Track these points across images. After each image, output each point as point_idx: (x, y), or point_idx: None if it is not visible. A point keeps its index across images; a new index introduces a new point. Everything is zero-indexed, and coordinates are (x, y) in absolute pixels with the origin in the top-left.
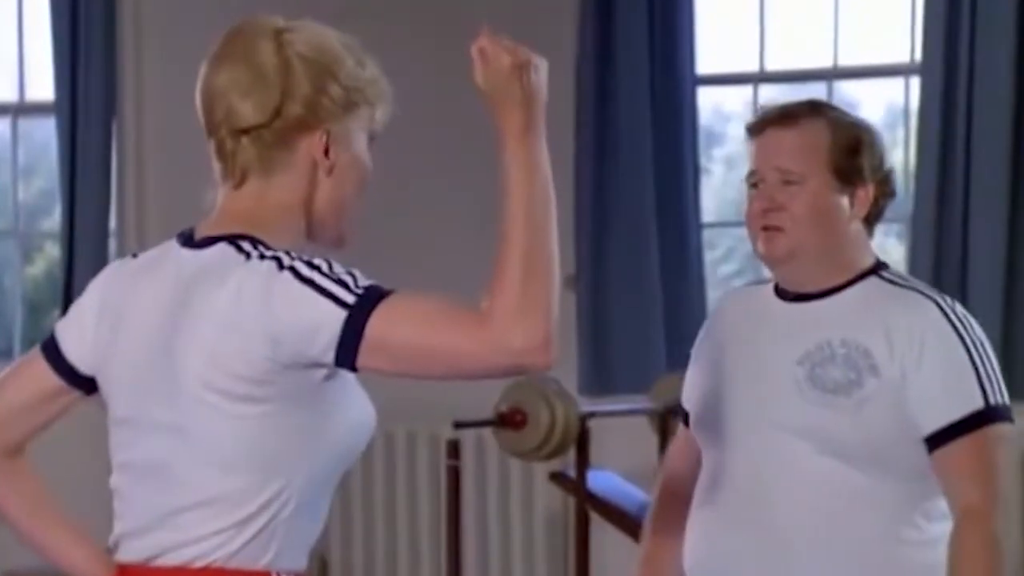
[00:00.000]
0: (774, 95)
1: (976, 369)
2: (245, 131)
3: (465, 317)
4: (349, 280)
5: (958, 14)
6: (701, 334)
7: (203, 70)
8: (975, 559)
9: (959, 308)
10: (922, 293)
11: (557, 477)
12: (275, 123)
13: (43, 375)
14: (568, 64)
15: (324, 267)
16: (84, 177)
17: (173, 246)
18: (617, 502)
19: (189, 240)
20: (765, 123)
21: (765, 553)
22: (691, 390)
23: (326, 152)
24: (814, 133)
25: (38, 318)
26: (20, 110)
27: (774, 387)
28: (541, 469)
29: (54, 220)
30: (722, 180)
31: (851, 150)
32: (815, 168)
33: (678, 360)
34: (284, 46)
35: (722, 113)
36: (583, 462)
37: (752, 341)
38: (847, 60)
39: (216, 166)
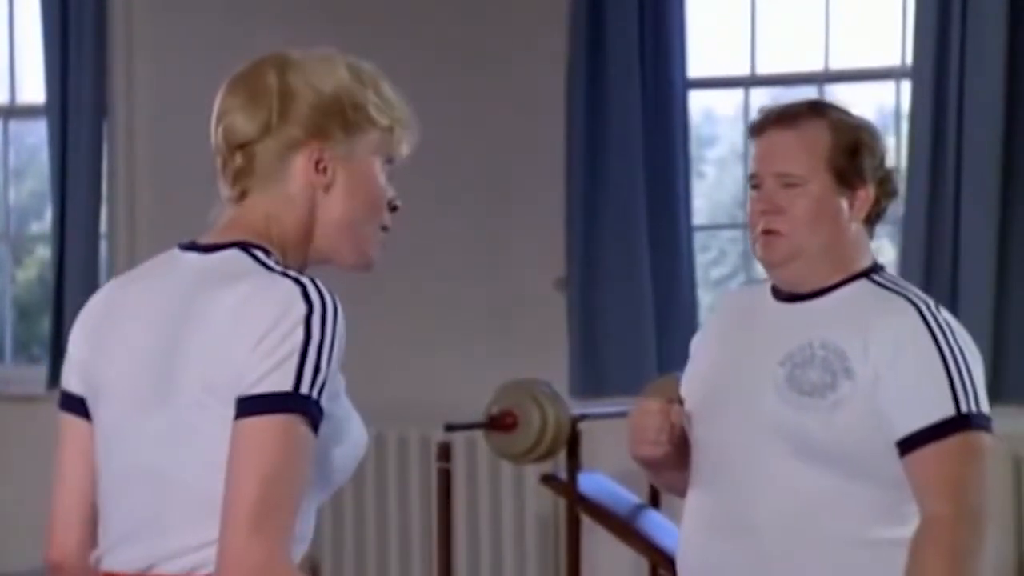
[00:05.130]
0: (765, 98)
1: (950, 376)
2: (240, 146)
3: (275, 510)
4: (319, 376)
5: (948, 17)
6: (699, 331)
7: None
8: (930, 570)
9: (943, 315)
10: (905, 297)
11: (548, 479)
12: (266, 140)
13: (76, 431)
14: (559, 67)
15: (328, 341)
16: (75, 179)
17: (173, 253)
18: (608, 504)
19: (192, 247)
20: (766, 124)
21: (744, 553)
22: (687, 386)
23: (320, 170)
24: (814, 134)
25: (29, 321)
26: (11, 112)
27: (756, 387)
28: (532, 471)
29: (45, 223)
30: (713, 183)
31: (851, 151)
32: (815, 170)
33: (669, 362)
34: (287, 71)
35: (713, 116)
36: (574, 464)
37: (742, 340)
38: (838, 63)
39: (221, 185)
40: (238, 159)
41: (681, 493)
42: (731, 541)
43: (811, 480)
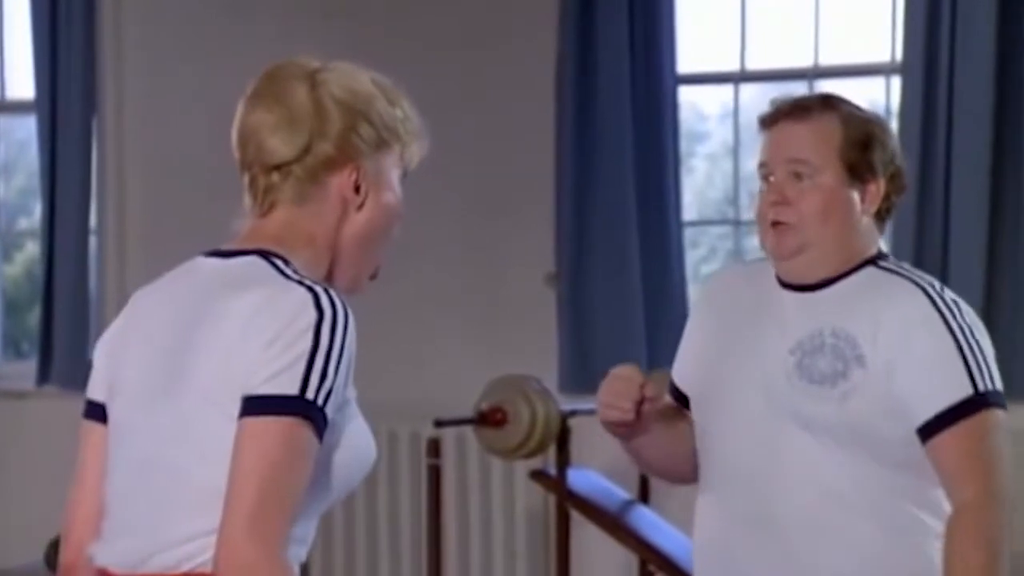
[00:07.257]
0: (755, 94)
1: (963, 355)
2: (276, 167)
3: (270, 509)
4: (325, 383)
5: (938, 14)
6: (696, 308)
7: (239, 109)
8: (967, 559)
9: (949, 293)
10: (911, 280)
11: (538, 475)
12: (305, 160)
13: (96, 437)
14: (549, 63)
15: (336, 350)
16: (64, 175)
17: (196, 260)
18: (598, 500)
19: (214, 253)
20: (778, 116)
21: (768, 545)
22: (684, 367)
23: (356, 189)
24: (826, 127)
25: (17, 316)
26: (0, 108)
27: (766, 376)
28: (522, 467)
29: (34, 218)
30: (703, 179)
31: (863, 145)
32: (827, 160)
33: (660, 359)
34: (317, 87)
35: (703, 112)
36: (564, 460)
37: (750, 328)
38: (828, 59)
39: (247, 199)
40: (273, 178)
41: (650, 468)
42: (753, 533)
43: (826, 468)
